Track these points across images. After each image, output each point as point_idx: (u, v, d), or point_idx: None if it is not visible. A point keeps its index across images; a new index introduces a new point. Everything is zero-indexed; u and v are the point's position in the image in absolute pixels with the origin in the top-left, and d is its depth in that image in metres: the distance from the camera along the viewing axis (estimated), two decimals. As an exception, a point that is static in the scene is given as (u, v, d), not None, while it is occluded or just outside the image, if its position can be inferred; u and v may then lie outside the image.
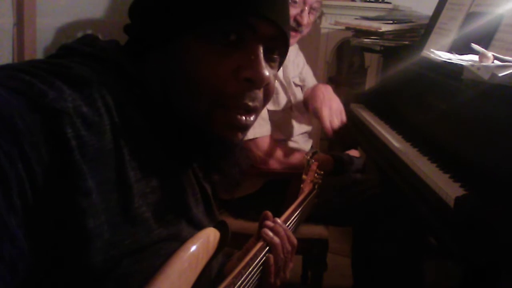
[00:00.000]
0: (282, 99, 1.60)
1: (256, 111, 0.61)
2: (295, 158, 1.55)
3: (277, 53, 0.62)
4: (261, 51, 0.58)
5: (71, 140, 0.47)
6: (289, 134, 1.62)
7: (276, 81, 1.61)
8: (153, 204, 0.55)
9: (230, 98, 0.57)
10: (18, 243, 0.43)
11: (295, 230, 0.97)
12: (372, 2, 2.37)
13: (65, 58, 0.56)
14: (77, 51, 0.57)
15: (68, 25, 1.71)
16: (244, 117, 0.59)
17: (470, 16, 1.45)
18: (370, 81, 2.23)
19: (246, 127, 0.61)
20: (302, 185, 1.22)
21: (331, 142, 2.61)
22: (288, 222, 0.91)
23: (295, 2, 1.50)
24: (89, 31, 1.76)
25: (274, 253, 0.77)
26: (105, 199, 0.49)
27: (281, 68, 1.65)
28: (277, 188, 1.51)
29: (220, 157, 0.63)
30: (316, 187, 1.23)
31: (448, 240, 0.98)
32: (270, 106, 1.55)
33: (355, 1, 2.39)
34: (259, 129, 1.47)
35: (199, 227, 0.63)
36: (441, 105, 1.29)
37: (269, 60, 0.61)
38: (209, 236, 0.60)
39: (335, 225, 1.73)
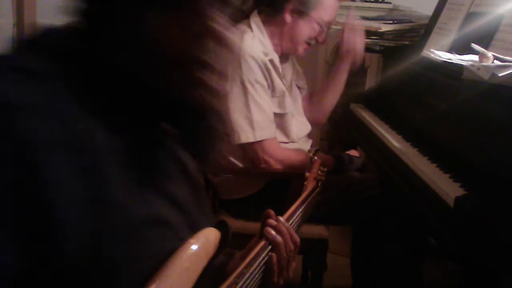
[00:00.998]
0: (288, 103, 1.61)
1: (213, 67, 0.60)
2: (297, 158, 1.56)
3: (233, 10, 0.62)
4: (217, 10, 0.58)
5: (28, 134, 0.46)
6: (291, 137, 1.63)
7: (283, 85, 1.63)
8: (126, 185, 0.53)
9: (184, 57, 0.57)
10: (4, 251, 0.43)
11: (298, 228, 0.97)
12: (372, 2, 2.37)
13: (22, 53, 0.56)
14: (34, 46, 0.57)
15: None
16: (202, 73, 0.59)
17: (470, 16, 1.45)
18: (370, 81, 2.23)
19: (207, 84, 0.60)
20: (305, 183, 1.21)
21: (331, 142, 2.61)
22: (291, 220, 0.91)
23: (321, 27, 1.59)
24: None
25: (277, 252, 0.76)
26: (75, 188, 0.48)
27: (286, 72, 1.68)
28: (278, 188, 1.51)
29: (191, 123, 0.62)
30: (319, 184, 1.22)
31: (448, 240, 0.98)
32: (276, 109, 1.55)
33: (355, 1, 2.39)
34: (267, 131, 1.47)
35: (182, 207, 0.62)
36: (441, 105, 1.29)
37: (228, 17, 0.60)
38: (210, 236, 0.60)
39: (335, 224, 1.73)
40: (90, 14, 0.59)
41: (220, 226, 0.63)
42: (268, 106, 1.50)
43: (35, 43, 0.57)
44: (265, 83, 1.49)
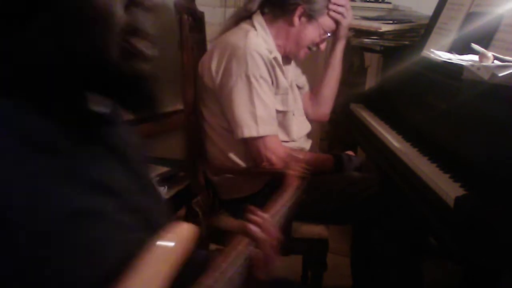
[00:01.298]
0: (291, 100, 1.62)
1: (143, 35, 0.60)
2: (309, 157, 1.57)
3: None
4: None
5: None
6: (291, 135, 1.63)
7: (286, 82, 1.64)
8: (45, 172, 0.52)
9: (114, 24, 0.56)
10: None
11: (281, 225, 0.96)
12: (372, 2, 2.37)
13: None
14: None
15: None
16: (132, 41, 0.58)
17: (470, 16, 1.45)
18: (370, 81, 2.23)
19: (138, 51, 0.59)
20: (288, 180, 1.21)
21: (331, 142, 2.61)
22: (275, 218, 0.91)
23: (326, 33, 1.63)
24: None
25: (261, 249, 0.76)
26: None
27: (287, 72, 1.69)
28: (279, 187, 1.51)
29: (126, 92, 0.62)
30: (302, 182, 1.20)
31: (448, 240, 0.98)
32: (279, 106, 1.56)
33: (355, 1, 2.39)
34: (270, 127, 1.48)
35: (117, 193, 0.60)
36: (441, 105, 1.29)
37: None
38: (184, 231, 0.58)
39: (335, 224, 1.73)
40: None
41: (194, 220, 0.63)
42: (272, 103, 1.50)
43: None
44: (269, 79, 1.49)
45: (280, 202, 0.99)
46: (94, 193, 0.56)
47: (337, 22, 1.67)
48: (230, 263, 0.66)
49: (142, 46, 0.59)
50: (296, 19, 1.57)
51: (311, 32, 1.61)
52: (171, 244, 0.56)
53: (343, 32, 1.72)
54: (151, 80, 0.63)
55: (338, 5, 1.64)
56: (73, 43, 0.55)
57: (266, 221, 0.80)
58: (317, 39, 1.63)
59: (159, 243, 0.56)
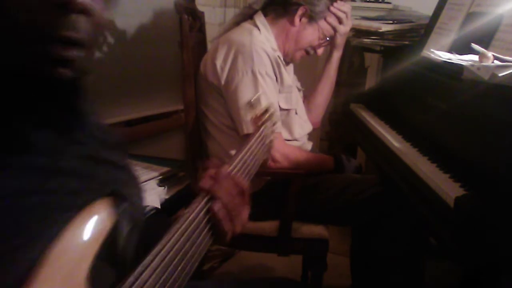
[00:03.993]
0: (294, 99, 1.63)
1: (77, 41, 0.56)
2: (301, 154, 1.57)
3: None
4: None
5: None
6: (294, 134, 1.64)
7: (290, 80, 1.64)
8: None
9: (44, 29, 0.53)
10: None
11: (250, 173, 0.95)
12: (372, 2, 2.37)
13: None
14: None
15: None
16: (61, 49, 0.54)
17: (470, 16, 1.45)
18: (370, 81, 2.23)
19: (66, 60, 0.55)
20: (251, 126, 1.18)
21: (331, 142, 2.61)
22: (235, 167, 0.88)
23: (325, 37, 1.65)
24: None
25: (218, 200, 0.74)
26: None
27: (290, 73, 1.70)
28: (278, 188, 1.51)
29: (56, 102, 0.59)
30: (263, 127, 1.17)
31: (448, 240, 0.98)
32: (283, 104, 1.57)
33: (355, 1, 2.39)
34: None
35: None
36: (441, 105, 1.29)
37: None
38: (96, 212, 0.55)
39: (335, 224, 1.73)
40: None
41: (113, 194, 0.59)
42: (276, 101, 1.51)
43: None
44: (274, 77, 1.50)
45: (241, 150, 0.97)
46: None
47: (334, 29, 1.66)
48: (186, 224, 0.66)
49: (72, 53, 0.55)
50: (297, 19, 1.58)
51: (310, 34, 1.62)
52: (96, 216, 0.55)
53: (340, 40, 1.73)
54: (80, 92, 0.60)
55: (339, 11, 1.64)
56: None
57: (219, 172, 0.77)
58: (315, 42, 1.64)
59: (60, 236, 0.52)
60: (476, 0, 1.45)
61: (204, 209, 0.72)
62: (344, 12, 1.66)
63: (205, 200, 0.73)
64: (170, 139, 2.47)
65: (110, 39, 1.82)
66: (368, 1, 2.37)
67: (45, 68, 0.55)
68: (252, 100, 1.27)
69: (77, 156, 0.60)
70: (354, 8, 2.30)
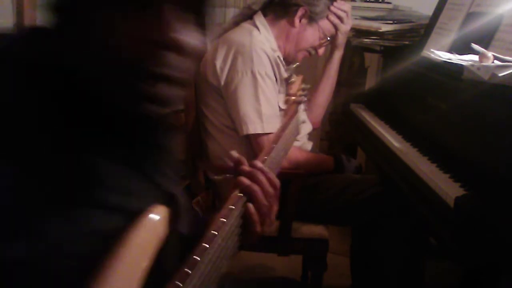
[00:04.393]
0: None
1: (175, 80, 0.56)
2: (302, 155, 1.57)
3: (195, 15, 0.57)
4: (173, 12, 0.54)
5: None
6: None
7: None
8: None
9: (143, 64, 0.53)
10: None
11: (277, 165, 0.89)
12: (372, 2, 2.37)
13: None
14: None
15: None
16: (159, 86, 0.54)
17: (470, 16, 1.45)
18: (370, 81, 2.23)
19: (164, 98, 0.55)
20: (285, 107, 1.14)
21: (331, 142, 2.61)
22: (267, 161, 0.84)
23: (326, 37, 1.64)
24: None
25: (255, 201, 0.71)
26: None
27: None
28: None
29: (142, 133, 0.59)
30: (300, 107, 1.14)
31: (448, 240, 0.98)
32: (282, 104, 1.56)
33: (355, 1, 2.39)
34: (274, 125, 1.48)
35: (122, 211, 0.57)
36: (441, 105, 1.29)
37: (187, 22, 0.56)
38: (152, 217, 0.55)
39: (335, 224, 1.73)
40: (57, 10, 0.56)
41: (168, 200, 0.59)
42: (276, 101, 1.51)
43: None
44: (273, 77, 1.50)
45: (274, 138, 0.93)
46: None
47: (336, 28, 1.67)
48: (222, 224, 0.63)
49: (165, 90, 0.55)
50: (296, 20, 1.58)
51: (310, 34, 1.61)
52: (158, 217, 0.55)
53: (341, 39, 1.72)
54: (164, 127, 0.61)
55: (340, 10, 1.64)
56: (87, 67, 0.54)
57: (257, 170, 0.74)
58: (316, 43, 1.64)
59: (147, 215, 0.54)
60: (476, 0, 1.45)
61: (241, 211, 0.68)
62: (345, 11, 1.66)
63: (242, 202, 0.69)
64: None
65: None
66: (368, 1, 2.37)
67: (136, 103, 0.55)
68: (288, 75, 1.25)
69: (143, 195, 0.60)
70: (354, 8, 2.30)
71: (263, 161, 0.81)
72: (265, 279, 2.03)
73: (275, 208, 0.76)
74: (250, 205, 0.70)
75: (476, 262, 0.99)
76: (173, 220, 0.58)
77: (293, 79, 1.24)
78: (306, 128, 1.73)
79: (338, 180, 1.58)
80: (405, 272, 1.48)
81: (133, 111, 0.55)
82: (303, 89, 1.23)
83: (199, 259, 0.56)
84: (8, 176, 0.48)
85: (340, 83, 2.14)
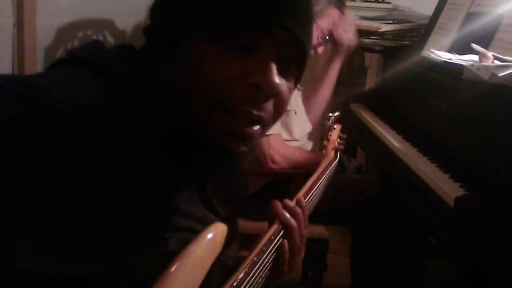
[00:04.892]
0: (293, 100, 1.62)
1: (262, 122, 0.57)
2: (301, 156, 1.57)
3: (294, 65, 0.59)
4: (274, 58, 0.55)
5: None
6: (293, 135, 1.64)
7: None
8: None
9: (234, 102, 0.54)
10: None
11: (312, 208, 0.90)
12: (372, 2, 2.37)
13: (66, 66, 0.56)
14: (80, 59, 0.56)
15: (68, 25, 1.71)
16: (247, 126, 0.56)
17: (470, 16, 1.45)
18: (370, 81, 2.23)
19: (249, 137, 0.57)
20: (324, 151, 1.16)
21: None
22: (308, 199, 0.84)
23: (324, 36, 1.62)
24: (89, 31, 1.76)
25: (290, 238, 0.71)
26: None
27: None
28: (279, 187, 1.51)
29: (217, 165, 0.61)
30: (338, 154, 1.16)
31: (448, 240, 0.98)
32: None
33: (355, 1, 2.39)
34: (274, 127, 1.48)
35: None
36: (441, 105, 1.29)
37: (284, 71, 0.57)
38: (214, 232, 0.57)
39: (335, 224, 1.73)
40: (155, 35, 0.58)
41: (227, 219, 0.61)
42: None
43: (91, 64, 0.56)
44: None
45: (312, 180, 0.92)
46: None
47: (340, 39, 1.67)
48: (258, 254, 0.64)
49: (252, 130, 0.57)
50: None
51: None
52: (211, 234, 0.56)
53: (344, 49, 1.72)
54: (242, 158, 0.62)
55: (346, 24, 1.65)
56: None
57: (298, 209, 0.74)
58: (314, 42, 1.63)
59: (204, 233, 0.56)
60: (476, 0, 1.45)
61: (277, 244, 0.69)
62: (351, 25, 1.66)
63: (280, 237, 0.69)
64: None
65: (110, 39, 1.82)
66: (368, 1, 2.37)
67: (226, 138, 0.56)
68: (328, 122, 1.28)
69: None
70: (354, 8, 2.30)
71: (305, 196, 0.82)
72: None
73: (302, 253, 0.77)
74: (285, 242, 0.71)
75: (476, 262, 0.99)
76: (229, 239, 0.59)
77: (334, 126, 1.30)
78: (306, 128, 1.73)
79: (338, 180, 1.58)
80: (405, 272, 1.48)
81: (229, 148, 0.57)
82: (340, 137, 1.26)
83: (238, 282, 0.57)
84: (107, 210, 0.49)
85: (340, 83, 2.14)
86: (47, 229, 0.45)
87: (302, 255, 0.77)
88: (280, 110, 0.59)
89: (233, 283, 0.57)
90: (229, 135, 0.56)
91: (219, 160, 0.61)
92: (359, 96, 1.85)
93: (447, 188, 1.02)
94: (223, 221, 0.61)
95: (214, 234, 0.57)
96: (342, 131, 1.29)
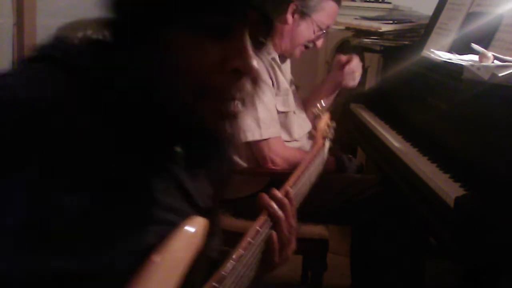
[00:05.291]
0: (291, 100, 1.62)
1: (243, 100, 0.59)
2: (302, 157, 1.56)
3: (264, 40, 0.61)
4: (248, 39, 0.57)
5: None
6: (293, 135, 1.63)
7: (286, 83, 1.62)
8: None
9: (217, 89, 0.56)
10: None
11: (302, 198, 0.90)
12: (372, 2, 2.37)
13: (37, 63, 0.56)
14: (49, 57, 0.56)
15: (68, 25, 1.71)
16: (231, 107, 0.58)
17: (470, 16, 1.45)
18: (370, 81, 2.23)
19: (233, 117, 0.59)
20: (313, 141, 1.18)
21: (331, 142, 2.61)
22: (296, 188, 0.85)
23: (321, 30, 1.60)
24: (89, 32, 1.76)
25: (278, 229, 0.72)
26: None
27: (287, 72, 1.69)
28: (279, 187, 1.51)
29: (204, 149, 0.61)
30: (326, 142, 1.16)
31: (448, 240, 0.98)
32: (280, 107, 1.56)
33: (355, 1, 2.39)
34: (273, 129, 1.47)
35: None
36: (441, 105, 1.29)
37: (256, 47, 0.59)
38: (192, 226, 0.57)
39: (335, 224, 1.73)
40: (120, 27, 0.58)
41: (207, 212, 0.61)
42: (273, 105, 1.50)
43: (60, 61, 0.56)
44: (269, 82, 1.49)
45: (301, 169, 0.93)
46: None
47: (343, 83, 1.66)
48: (246, 247, 0.64)
49: (236, 109, 0.59)
50: (289, 17, 1.56)
51: (305, 29, 1.59)
52: (193, 229, 0.56)
53: (345, 90, 1.72)
54: (227, 139, 0.63)
55: (350, 68, 1.64)
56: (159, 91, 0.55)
57: (286, 199, 0.75)
58: (312, 36, 1.61)
59: (183, 227, 0.56)
60: (476, 0, 1.45)
61: (265, 236, 0.69)
62: (353, 71, 1.65)
63: (268, 228, 0.70)
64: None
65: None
66: (368, 1, 2.37)
67: (213, 121, 0.58)
68: (316, 111, 1.27)
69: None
70: (354, 8, 2.30)
71: (293, 186, 0.83)
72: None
73: (293, 244, 0.76)
74: (274, 233, 0.71)
75: (476, 262, 0.99)
76: (209, 233, 0.59)
77: (320, 114, 1.30)
78: (306, 126, 1.73)
79: (338, 180, 1.58)
80: (405, 272, 1.48)
81: (214, 129, 0.59)
82: (329, 126, 1.26)
83: (226, 274, 0.58)
84: (81, 198, 0.49)
85: (340, 83, 2.13)
86: (20, 227, 0.45)
87: (293, 246, 0.77)
88: (257, 85, 0.61)
89: (220, 275, 0.58)
90: (216, 118, 0.57)
91: (203, 146, 0.62)
92: (359, 96, 1.85)
93: (447, 188, 1.02)
94: (204, 214, 0.61)
95: (193, 228, 0.56)
96: (331, 119, 1.28)
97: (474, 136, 1.12)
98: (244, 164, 1.56)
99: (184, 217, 0.58)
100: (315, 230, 1.54)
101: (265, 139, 1.46)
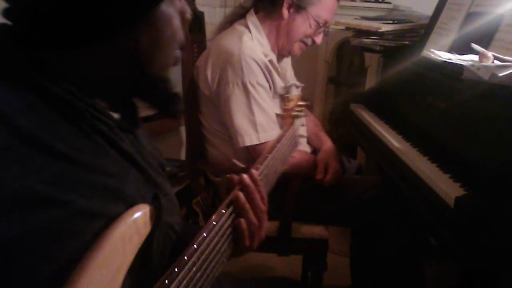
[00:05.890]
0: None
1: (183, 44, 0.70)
2: (302, 157, 1.56)
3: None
4: None
5: None
6: None
7: (283, 84, 1.62)
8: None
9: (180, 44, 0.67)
10: None
11: (274, 175, 0.93)
12: (372, 2, 2.37)
13: None
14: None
15: None
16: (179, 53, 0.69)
17: (470, 16, 1.45)
18: (370, 81, 2.23)
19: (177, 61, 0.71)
20: (281, 121, 1.18)
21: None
22: (263, 169, 0.86)
23: (318, 24, 1.57)
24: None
25: (246, 218, 0.73)
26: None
27: (284, 71, 1.68)
28: (278, 189, 1.51)
29: (154, 93, 0.68)
30: (297, 121, 1.16)
31: (448, 240, 0.98)
32: (278, 110, 1.54)
33: (355, 1, 2.39)
34: (270, 132, 1.47)
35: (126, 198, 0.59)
36: (441, 105, 1.29)
37: None
38: (135, 214, 0.57)
39: (335, 225, 1.73)
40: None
41: (152, 200, 0.62)
42: (270, 108, 1.49)
43: None
44: (266, 85, 1.48)
45: (268, 150, 0.95)
46: (103, 197, 0.56)
47: None
48: (209, 233, 0.65)
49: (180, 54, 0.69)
50: (284, 11, 1.54)
51: (300, 23, 1.56)
52: (138, 214, 0.57)
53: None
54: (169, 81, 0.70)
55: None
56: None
57: (249, 183, 0.75)
58: (308, 31, 1.58)
59: (128, 213, 0.56)
60: (476, 0, 1.45)
61: (230, 221, 0.71)
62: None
63: (232, 213, 0.71)
64: (170, 139, 2.47)
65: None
66: (368, 1, 2.37)
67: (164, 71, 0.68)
68: (283, 92, 1.26)
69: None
70: (354, 8, 2.30)
71: (257, 169, 0.83)
72: (265, 279, 2.03)
73: (265, 224, 0.77)
74: (242, 221, 0.73)
75: (476, 263, 0.99)
76: (156, 218, 0.60)
77: (289, 95, 1.30)
78: (304, 130, 1.72)
79: (339, 181, 1.58)
80: (405, 272, 1.48)
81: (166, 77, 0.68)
82: (300, 106, 1.25)
83: (187, 259, 0.59)
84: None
85: (340, 83, 2.14)
86: None
87: (265, 226, 0.77)
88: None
89: (183, 257, 0.59)
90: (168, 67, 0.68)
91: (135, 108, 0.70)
92: (359, 96, 1.85)
93: (447, 188, 1.02)
94: (147, 175, 0.65)
95: (136, 216, 0.57)
96: (302, 99, 1.28)
97: (474, 136, 1.12)
98: (243, 166, 1.56)
99: (121, 180, 0.60)
100: (315, 230, 1.54)
101: (262, 143, 1.46)
